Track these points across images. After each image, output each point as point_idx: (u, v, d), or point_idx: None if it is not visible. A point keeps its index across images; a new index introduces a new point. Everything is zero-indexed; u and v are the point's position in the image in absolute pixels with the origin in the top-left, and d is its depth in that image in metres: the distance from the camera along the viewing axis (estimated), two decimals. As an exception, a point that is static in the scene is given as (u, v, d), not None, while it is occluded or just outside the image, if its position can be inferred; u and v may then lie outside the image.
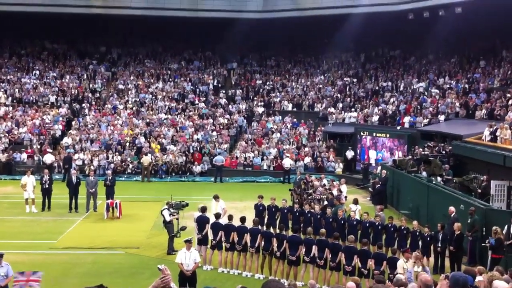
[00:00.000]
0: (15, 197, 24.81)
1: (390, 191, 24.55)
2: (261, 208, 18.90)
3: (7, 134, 33.95)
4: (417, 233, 16.29)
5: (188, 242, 13.75)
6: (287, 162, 31.21)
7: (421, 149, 25.93)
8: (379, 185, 23.74)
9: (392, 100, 35.63)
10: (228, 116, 38.12)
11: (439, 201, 19.58)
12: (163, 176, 31.69)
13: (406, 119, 32.22)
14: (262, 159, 32.92)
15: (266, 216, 18.69)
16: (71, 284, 14.27)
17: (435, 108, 32.13)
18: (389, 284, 9.67)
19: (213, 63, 46.18)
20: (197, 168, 32.22)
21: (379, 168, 26.48)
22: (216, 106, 39.41)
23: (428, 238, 16.10)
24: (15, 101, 38.77)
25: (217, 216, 16.46)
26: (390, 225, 16.79)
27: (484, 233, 16.32)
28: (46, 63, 44.31)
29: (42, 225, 21.03)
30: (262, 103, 39.83)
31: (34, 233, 19.76)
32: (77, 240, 19.00)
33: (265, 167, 32.65)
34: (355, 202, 19.31)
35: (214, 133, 35.52)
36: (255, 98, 40.64)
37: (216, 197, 18.65)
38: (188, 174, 32.04)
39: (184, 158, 32.54)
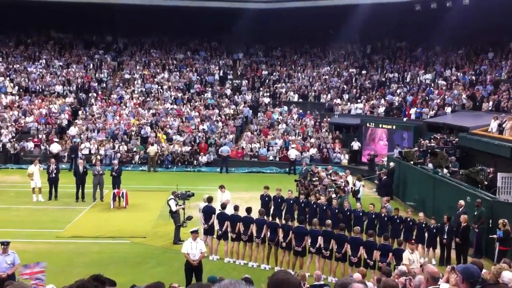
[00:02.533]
0: (22, 186, 24.95)
1: (396, 182, 24.53)
2: (267, 198, 18.96)
3: (14, 123, 34.05)
4: (423, 225, 16.31)
5: (194, 232, 13.79)
6: (293, 153, 31.19)
7: (427, 141, 25.85)
8: (385, 177, 23.69)
9: (398, 91, 35.51)
10: (234, 106, 38.10)
11: (445, 193, 19.57)
12: (169, 166, 31.75)
13: (412, 111, 32.11)
14: (268, 150, 32.93)
15: (272, 207, 18.75)
16: (77, 274, 14.20)
17: (441, 100, 32.01)
18: (396, 276, 9.68)
19: (219, 53, 46.09)
20: (203, 159, 32.26)
21: (386, 159, 26.45)
22: (222, 96, 39.39)
23: (434, 230, 16.13)
24: (21, 90, 38.84)
25: (223, 206, 16.50)
26: (396, 217, 16.82)
27: (490, 225, 16.32)
28: (52, 52, 44.30)
29: (49, 214, 21.15)
30: (268, 94, 39.79)
31: (41, 222, 19.87)
32: (84, 229, 19.11)
33: (271, 158, 32.67)
34: (359, 179, 19.35)
35: (220, 123, 35.52)
36: (261, 89, 40.59)
37: (221, 187, 18.68)
38: (194, 164, 32.08)
39: (190, 148, 32.57)
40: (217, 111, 37.01)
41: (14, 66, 41.41)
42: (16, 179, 27.44)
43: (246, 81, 41.76)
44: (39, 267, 11.88)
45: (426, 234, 16.22)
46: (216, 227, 16.27)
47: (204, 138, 33.59)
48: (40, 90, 38.92)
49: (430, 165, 22.68)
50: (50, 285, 10.41)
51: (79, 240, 17.87)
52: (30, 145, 32.30)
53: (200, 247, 13.57)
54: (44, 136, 33.06)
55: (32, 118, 34.88)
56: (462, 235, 15.83)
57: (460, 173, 21.59)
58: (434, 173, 21.27)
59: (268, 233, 15.60)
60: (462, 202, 17.28)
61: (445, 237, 16.04)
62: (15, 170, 30.06)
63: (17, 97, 37.71)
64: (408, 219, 16.61)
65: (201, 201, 17.34)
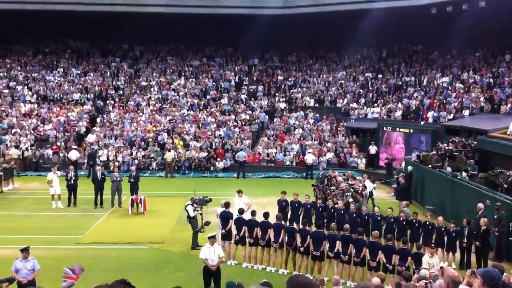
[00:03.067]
0: (42, 193, 25.20)
1: (414, 186, 24.36)
2: (284, 203, 18.92)
3: (33, 131, 34.47)
4: (443, 229, 16.16)
5: (212, 238, 13.82)
6: (310, 158, 31.14)
7: (445, 144, 25.66)
8: (403, 181, 23.49)
9: (415, 95, 35.30)
10: (250, 112, 38.17)
11: (464, 197, 19.39)
12: (186, 172, 31.88)
13: (430, 114, 31.90)
14: (285, 155, 32.90)
15: (289, 212, 18.71)
16: (96, 279, 14.34)
17: (459, 103, 31.76)
18: (416, 280, 9.62)
19: (234, 59, 46.26)
20: (219, 164, 32.33)
21: (404, 163, 26.28)
22: (238, 102, 39.48)
23: (454, 234, 15.97)
24: (40, 98, 39.34)
25: (241, 211, 16.51)
26: (414, 221, 16.68)
27: (510, 228, 16.14)
28: (70, 60, 44.85)
29: (68, 221, 21.30)
30: (284, 99, 39.81)
31: (60, 229, 20.03)
32: (102, 235, 19.23)
33: (287, 162, 32.64)
34: (372, 181, 19.23)
35: (236, 129, 35.60)
36: (277, 94, 40.62)
37: (239, 192, 18.68)
38: (210, 170, 32.17)
39: (207, 154, 32.68)
40: (233, 116, 37.11)
41: (33, 74, 42.00)
42: (36, 186, 27.74)
43: (262, 86, 41.83)
44: (78, 270, 11.75)
45: (445, 238, 16.08)
46: (234, 232, 16.29)
47: (220, 144, 33.67)
48: (58, 98, 39.40)
49: (449, 169, 22.50)
50: None
51: (98, 246, 17.98)
52: (49, 152, 32.65)
53: (218, 252, 13.59)
54: (62, 143, 33.41)
55: (51, 126, 35.29)
56: (482, 238, 15.65)
57: (479, 176, 21.38)
58: (452, 176, 21.09)
59: (286, 238, 15.57)
60: (481, 205, 17.09)
61: (465, 240, 15.88)
62: (34, 177, 30.38)
63: (35, 105, 38.19)
64: (427, 223, 16.47)
65: (218, 207, 17.36)
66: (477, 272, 7.67)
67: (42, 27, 43.54)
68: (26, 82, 40.90)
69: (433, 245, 14.43)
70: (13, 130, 34.16)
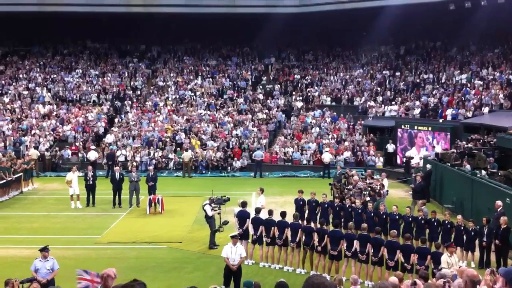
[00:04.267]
0: (61, 193, 25.46)
1: (433, 185, 24.14)
2: (301, 202, 18.86)
3: (52, 132, 34.84)
4: (462, 228, 16.00)
5: (234, 237, 13.85)
6: (327, 157, 31.02)
7: (464, 142, 25.38)
8: (420, 182, 23.07)
9: (434, 92, 34.97)
10: (266, 111, 38.15)
11: (484, 195, 19.15)
12: (203, 172, 31.96)
13: (449, 112, 31.59)
14: (302, 154, 32.82)
15: (307, 211, 18.66)
16: (116, 279, 14.55)
17: (478, 100, 31.41)
18: (434, 281, 9.52)
19: (251, 58, 46.30)
20: (236, 164, 32.36)
21: (422, 162, 26.04)
22: (254, 101, 39.49)
23: (473, 233, 15.80)
24: (58, 99, 39.78)
25: (257, 211, 16.51)
26: (433, 220, 16.53)
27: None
28: (88, 62, 45.29)
29: (87, 221, 21.48)
30: (301, 98, 39.72)
31: (79, 229, 20.22)
32: (121, 235, 19.36)
33: (304, 161, 32.55)
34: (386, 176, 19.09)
35: (253, 128, 35.60)
36: (294, 93, 40.56)
37: (261, 190, 18.61)
38: (228, 169, 32.22)
39: (224, 153, 32.74)
40: (250, 116, 37.13)
41: (51, 76, 42.51)
42: (55, 187, 28.04)
43: (279, 85, 41.78)
44: (98, 279, 11.87)
45: (464, 237, 15.91)
46: (251, 231, 16.29)
47: (237, 143, 33.70)
48: (77, 99, 39.80)
49: (468, 167, 22.23)
50: None
51: (116, 246, 18.10)
52: (68, 153, 32.97)
53: (240, 252, 13.60)
54: (81, 144, 33.72)
55: (70, 127, 35.64)
56: (502, 237, 15.45)
57: (499, 174, 21.09)
58: (472, 174, 20.85)
59: (303, 237, 15.53)
60: (499, 202, 16.89)
61: (484, 239, 15.69)
62: (53, 177, 30.71)
63: (54, 106, 38.62)
64: (446, 221, 16.31)
65: (236, 206, 17.37)
66: (499, 271, 7.58)
67: (61, 29, 43.97)
68: (45, 83, 41.39)
69: (453, 244, 14.28)
70: (33, 131, 34.59)
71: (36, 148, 32.26)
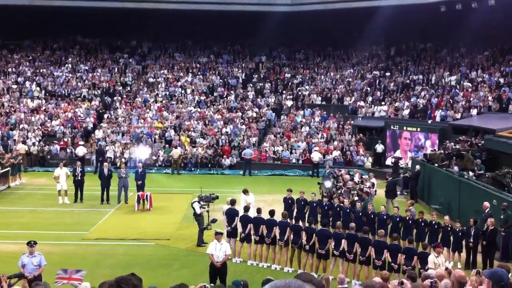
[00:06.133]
0: (48, 188, 25.31)
1: (421, 185, 24.28)
2: (290, 201, 18.93)
3: (40, 127, 34.61)
4: (449, 228, 16.13)
5: (218, 234, 13.84)
6: (316, 156, 31.08)
7: (452, 143, 25.55)
8: (390, 179, 23.21)
9: (423, 93, 35.16)
10: (256, 109, 38.14)
11: (471, 196, 19.32)
12: (193, 169, 31.90)
13: (438, 113, 31.77)
14: (291, 153, 32.86)
15: (295, 210, 18.71)
16: (103, 275, 14.45)
17: (467, 102, 31.62)
18: (421, 283, 9.59)
19: (241, 56, 46.27)
20: (226, 161, 32.34)
21: (410, 162, 26.18)
22: (244, 99, 39.47)
23: (460, 233, 15.93)
24: (48, 94, 39.51)
25: (246, 209, 16.53)
26: (421, 220, 16.64)
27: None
28: (78, 57, 45.03)
29: (75, 217, 21.42)
30: (291, 97, 39.75)
31: (66, 224, 20.16)
32: (109, 231, 19.31)
33: (294, 160, 32.59)
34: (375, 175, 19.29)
35: (243, 126, 35.59)
36: (284, 92, 40.58)
37: (245, 191, 18.70)
38: (217, 167, 32.19)
39: (213, 151, 32.70)
40: (240, 114, 37.09)
41: (41, 70, 42.21)
42: (42, 182, 27.87)
43: (269, 84, 41.80)
44: (78, 275, 11.87)
45: (451, 238, 16.04)
46: (240, 229, 16.31)
47: (227, 141, 33.67)
48: (66, 94, 39.54)
49: (456, 168, 22.40)
50: (85, 283, 10.48)
51: (104, 242, 18.06)
52: (56, 148, 32.77)
53: (224, 249, 13.62)
54: (70, 139, 33.51)
55: (58, 122, 35.40)
56: (490, 238, 15.59)
57: (486, 175, 21.27)
58: (459, 176, 21.01)
59: (292, 235, 15.58)
60: (487, 203, 17.04)
61: (471, 240, 15.82)
62: (41, 172, 30.48)
63: (43, 101, 38.35)
64: (433, 222, 16.43)
65: (225, 204, 17.39)
66: (484, 273, 7.64)
67: (51, 23, 43.66)
68: (35, 77, 41.09)
69: (440, 245, 14.39)
70: (21, 126, 34.34)
71: (24, 142, 32.02)
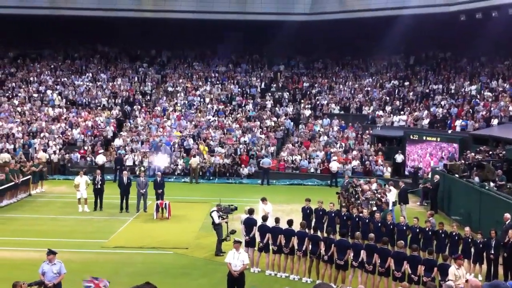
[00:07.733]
0: (68, 196, 25.54)
1: (440, 196, 24.05)
2: (308, 211, 18.85)
3: (61, 135, 35.04)
4: (469, 240, 15.92)
5: (237, 242, 13.83)
6: (335, 165, 30.97)
7: (473, 154, 25.29)
8: (403, 185, 23.16)
9: (443, 103, 34.87)
10: (275, 118, 38.18)
11: (492, 207, 19.07)
12: (211, 178, 31.99)
13: (458, 123, 31.48)
14: (309, 162, 32.78)
15: (314, 220, 18.63)
16: (122, 283, 14.54)
17: (487, 112, 31.29)
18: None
19: (260, 65, 46.38)
20: (244, 171, 32.38)
21: (431, 173, 25.96)
22: (263, 108, 39.53)
23: (481, 245, 15.71)
24: (68, 103, 40.00)
25: (264, 218, 16.51)
26: (441, 231, 16.45)
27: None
28: (98, 66, 45.55)
29: (94, 225, 21.57)
30: (309, 106, 39.72)
31: (86, 232, 20.28)
32: (128, 239, 19.40)
33: (312, 170, 32.50)
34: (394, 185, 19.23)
35: (261, 135, 35.62)
36: (302, 101, 40.56)
37: (263, 200, 18.69)
38: (235, 176, 32.24)
39: (231, 160, 32.77)
40: (258, 123, 37.15)
41: (62, 79, 42.77)
42: (63, 190, 28.17)
43: (288, 93, 41.83)
44: (102, 284, 11.89)
45: (472, 249, 15.83)
46: (258, 239, 16.28)
47: (245, 150, 33.72)
48: (87, 103, 39.99)
49: (477, 179, 22.15)
50: None
51: (123, 250, 18.15)
52: (76, 156, 33.12)
53: (242, 258, 13.56)
54: (90, 147, 33.86)
55: (79, 130, 35.82)
56: (510, 250, 15.35)
57: (508, 186, 21.00)
58: (480, 186, 20.76)
59: (310, 246, 15.51)
60: (508, 215, 16.79)
61: (492, 252, 15.60)
62: (61, 181, 30.83)
63: (64, 110, 38.81)
64: (454, 233, 16.23)
65: (243, 213, 17.39)
66: (484, 286, 7.57)
67: (72, 33, 44.26)
68: (56, 86, 41.66)
69: (461, 257, 14.20)
70: (42, 134, 34.80)
71: (44, 151, 32.43)
